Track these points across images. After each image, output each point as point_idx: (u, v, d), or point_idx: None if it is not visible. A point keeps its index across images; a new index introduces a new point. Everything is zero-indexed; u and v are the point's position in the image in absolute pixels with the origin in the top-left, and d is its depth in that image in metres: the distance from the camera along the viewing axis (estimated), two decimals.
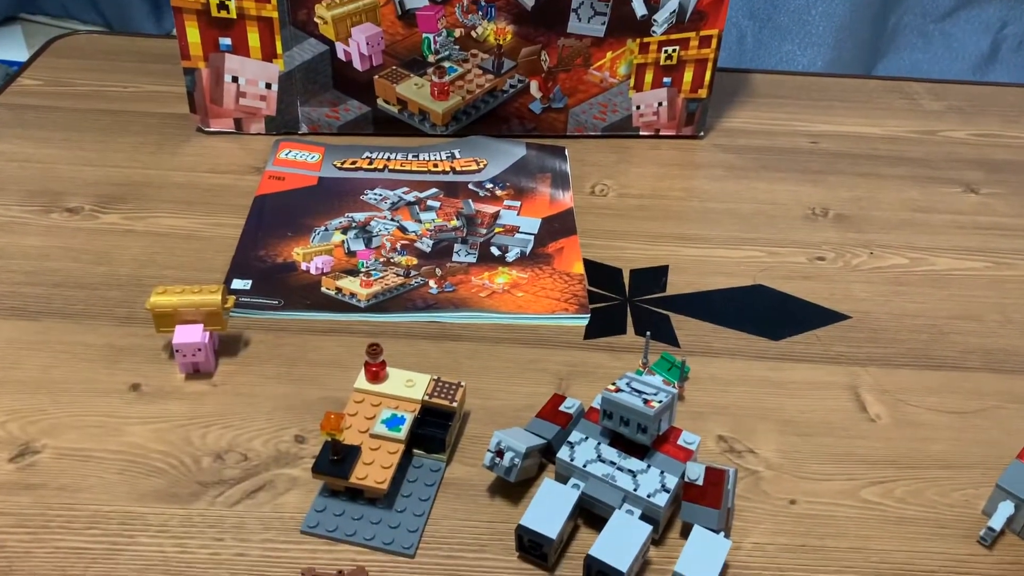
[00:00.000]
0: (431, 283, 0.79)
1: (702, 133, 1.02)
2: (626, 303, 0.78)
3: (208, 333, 0.68)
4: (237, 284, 0.77)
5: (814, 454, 0.66)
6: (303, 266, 0.80)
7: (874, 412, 0.69)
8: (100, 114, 1.00)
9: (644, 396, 0.58)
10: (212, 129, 0.98)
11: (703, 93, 0.98)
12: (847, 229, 0.89)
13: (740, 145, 1.01)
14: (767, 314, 0.78)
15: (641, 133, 1.01)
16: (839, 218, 0.91)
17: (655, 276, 0.81)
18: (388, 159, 0.94)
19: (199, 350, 0.67)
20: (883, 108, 1.11)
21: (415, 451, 0.63)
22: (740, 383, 0.71)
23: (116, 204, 0.87)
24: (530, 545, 0.56)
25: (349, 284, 0.78)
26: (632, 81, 0.97)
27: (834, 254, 0.86)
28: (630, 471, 0.58)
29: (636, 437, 0.58)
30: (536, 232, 0.85)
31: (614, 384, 0.59)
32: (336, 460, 0.59)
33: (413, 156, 0.95)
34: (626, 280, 0.81)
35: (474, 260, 0.82)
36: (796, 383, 0.72)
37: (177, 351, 0.67)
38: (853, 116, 1.08)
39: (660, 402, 0.57)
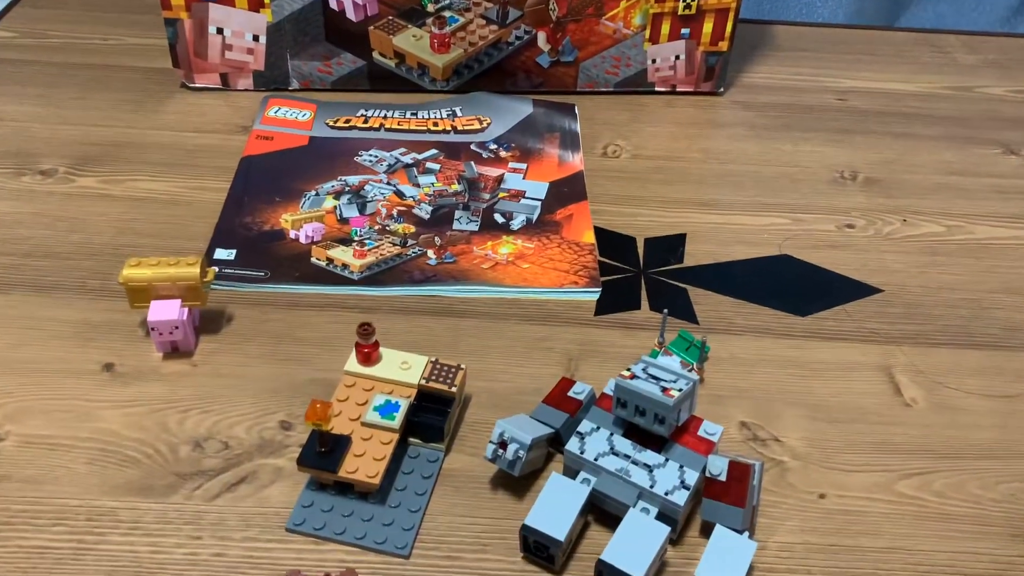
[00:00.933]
0: (430, 253, 0.73)
1: (722, 89, 0.95)
2: (640, 275, 0.73)
3: (187, 309, 0.63)
4: (220, 254, 0.72)
5: (845, 443, 0.61)
6: (292, 234, 0.74)
7: (910, 396, 0.64)
8: (78, 68, 0.94)
9: (662, 383, 0.52)
10: (197, 85, 0.91)
11: (724, 46, 0.91)
12: (878, 194, 0.83)
13: (762, 102, 0.95)
14: (793, 287, 0.72)
15: (656, 89, 0.94)
16: (869, 182, 0.84)
17: (671, 245, 0.75)
18: (384, 117, 0.88)
19: (176, 328, 0.62)
20: (914, 62, 1.03)
21: (411, 440, 0.58)
22: (764, 364, 0.66)
23: (93, 166, 0.81)
24: (536, 546, 0.51)
25: (341, 254, 0.72)
26: (647, 32, 0.89)
27: (864, 221, 0.80)
28: (646, 465, 0.53)
29: (653, 428, 0.53)
30: (543, 197, 0.79)
31: (628, 369, 0.54)
32: (324, 452, 0.54)
33: (411, 114, 0.89)
34: (640, 250, 0.75)
35: (476, 228, 0.76)
36: (825, 364, 0.66)
37: (153, 329, 0.62)
38: (882, 71, 1.01)
39: (680, 390, 0.52)
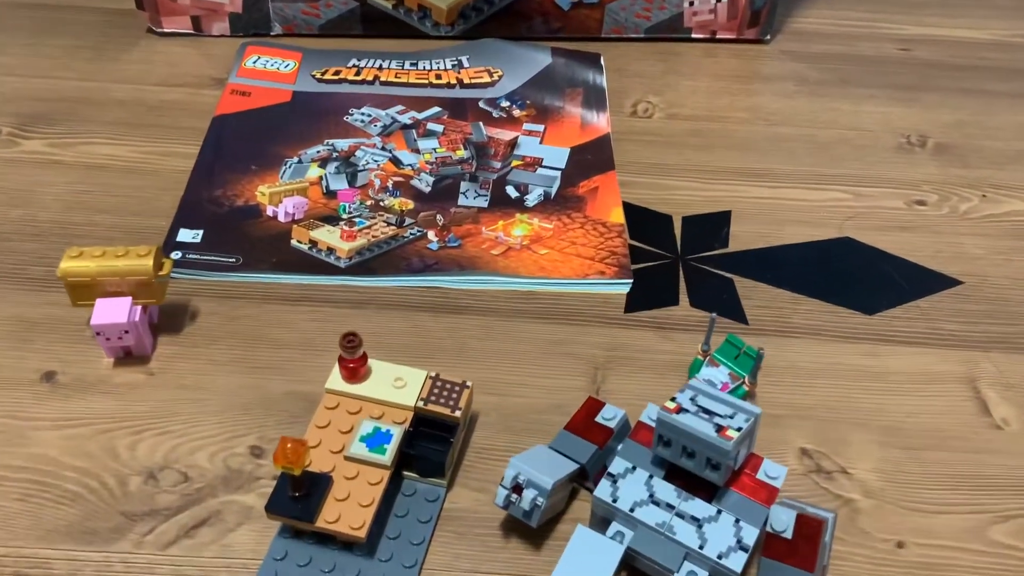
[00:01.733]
0: (431, 235, 0.62)
1: (768, 37, 0.82)
2: (678, 262, 0.62)
3: (139, 308, 0.52)
4: (184, 235, 0.61)
5: (925, 475, 0.51)
6: (269, 211, 0.63)
7: (1000, 415, 0.54)
8: (27, 10, 0.82)
9: (716, 419, 0.42)
10: (164, 30, 0.79)
11: None
12: (951, 163, 0.71)
13: (814, 52, 0.82)
14: (857, 278, 0.61)
15: (694, 36, 0.81)
16: (940, 148, 0.73)
17: (714, 226, 0.64)
18: (379, 68, 0.76)
19: (126, 332, 0.52)
20: (988, 6, 0.90)
21: (405, 474, 0.48)
22: (826, 374, 0.55)
23: (41, 126, 0.70)
24: None
25: (327, 236, 0.61)
26: None
27: (937, 196, 0.68)
28: (693, 518, 0.43)
29: (704, 474, 0.43)
30: (563, 167, 0.68)
31: (674, 400, 0.44)
32: (298, 496, 0.44)
33: (411, 64, 0.77)
34: (678, 231, 0.64)
35: (485, 204, 0.65)
36: (897, 375, 0.56)
37: (98, 334, 0.52)
38: (952, 16, 0.88)
39: (739, 429, 0.42)
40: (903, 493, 0.50)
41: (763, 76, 0.80)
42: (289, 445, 0.42)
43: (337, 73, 0.76)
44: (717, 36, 0.82)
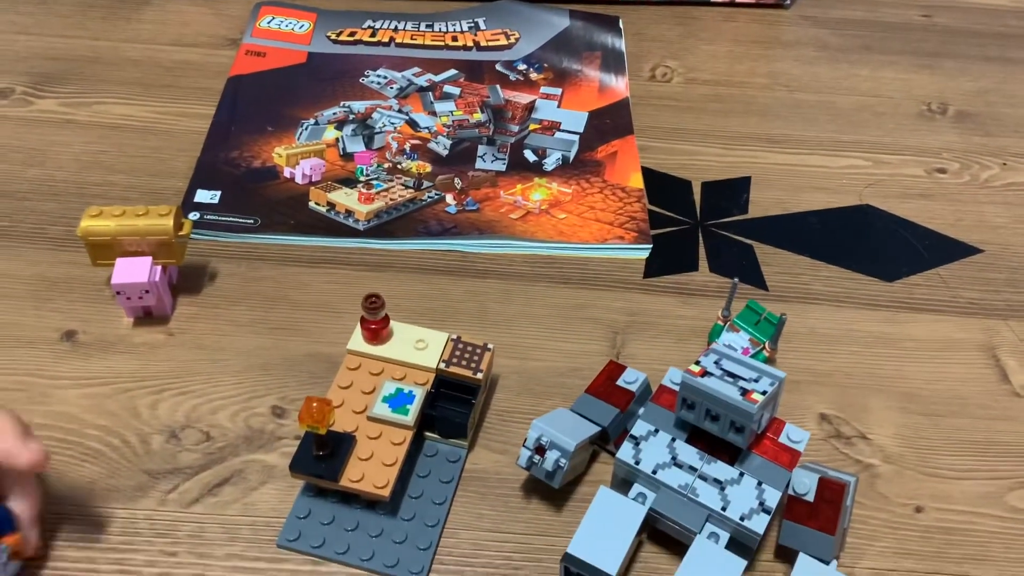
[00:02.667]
0: (449, 199, 0.62)
1: (789, 1, 0.81)
2: (697, 228, 0.61)
3: (159, 268, 0.52)
4: (202, 196, 0.61)
5: (944, 441, 0.51)
6: (286, 172, 0.63)
7: (1019, 383, 0.54)
8: None
9: (741, 383, 0.42)
10: None
11: None
12: (973, 131, 0.71)
13: (835, 18, 0.81)
14: (877, 245, 0.61)
15: (713, 0, 0.80)
16: (962, 116, 0.72)
17: (734, 191, 0.64)
18: (395, 30, 0.75)
19: (147, 291, 0.52)
20: None
21: (427, 435, 0.48)
22: (847, 340, 0.55)
23: (55, 85, 0.69)
24: None
25: (344, 199, 0.61)
26: None
27: (958, 164, 0.68)
28: (716, 481, 0.43)
29: (727, 437, 0.43)
30: (582, 131, 0.68)
31: (698, 363, 0.44)
32: (322, 455, 0.44)
33: (427, 26, 0.76)
34: (697, 196, 0.64)
35: (503, 168, 0.64)
36: (917, 341, 0.56)
37: (119, 293, 0.52)
38: None
39: (763, 392, 0.42)
40: (922, 459, 0.50)
41: (783, 41, 0.79)
42: (314, 404, 0.42)
43: (352, 34, 0.75)
44: (737, 1, 0.81)
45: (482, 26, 0.76)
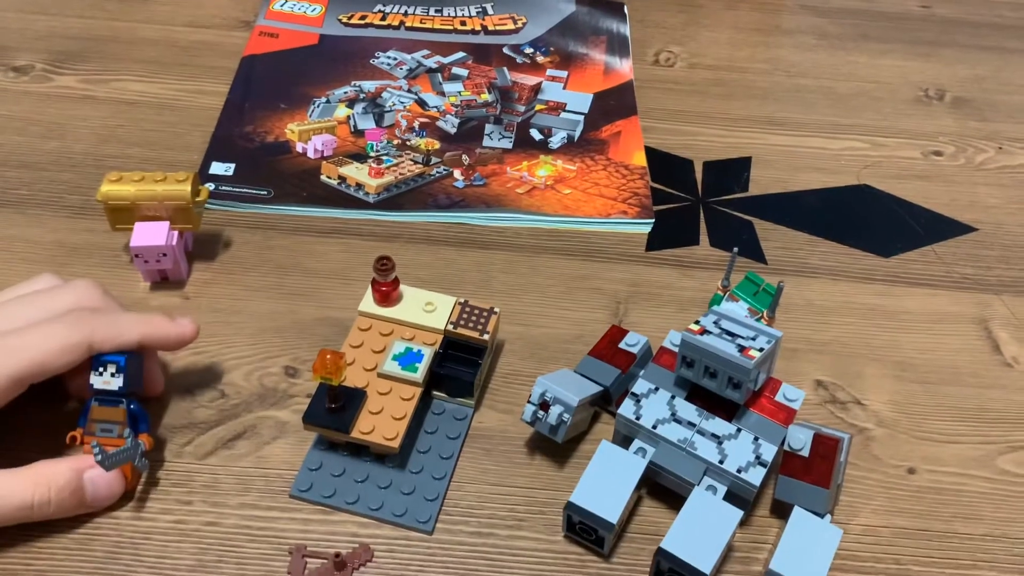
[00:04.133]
0: (456, 174, 0.64)
1: None
2: (699, 205, 0.63)
3: (176, 233, 0.54)
4: (217, 168, 0.62)
5: (936, 408, 0.52)
6: (299, 147, 0.65)
7: (1010, 354, 0.55)
8: None
9: (739, 340, 0.44)
10: None
11: None
12: (968, 116, 0.72)
13: (834, 7, 0.83)
14: (874, 223, 0.63)
15: None
16: (958, 102, 0.74)
17: (735, 170, 0.66)
18: (405, 14, 0.77)
19: (164, 255, 0.53)
20: None
21: (435, 394, 0.50)
22: (843, 312, 0.57)
23: (73, 63, 0.71)
24: (582, 528, 0.44)
25: (355, 173, 0.63)
26: None
27: (954, 148, 0.70)
28: (714, 436, 0.45)
29: (725, 393, 0.44)
30: (587, 112, 0.69)
31: (697, 323, 0.45)
32: (334, 408, 0.46)
33: (435, 11, 0.78)
34: (699, 175, 0.65)
35: (510, 146, 0.66)
36: (912, 314, 0.57)
37: (137, 256, 0.53)
38: None
39: (760, 349, 0.43)
40: (914, 423, 0.51)
41: (783, 29, 0.80)
42: (328, 356, 0.43)
43: (363, 18, 0.77)
44: None
45: (490, 11, 0.78)
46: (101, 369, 0.44)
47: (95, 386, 0.44)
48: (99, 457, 0.42)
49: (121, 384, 0.44)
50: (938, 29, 0.81)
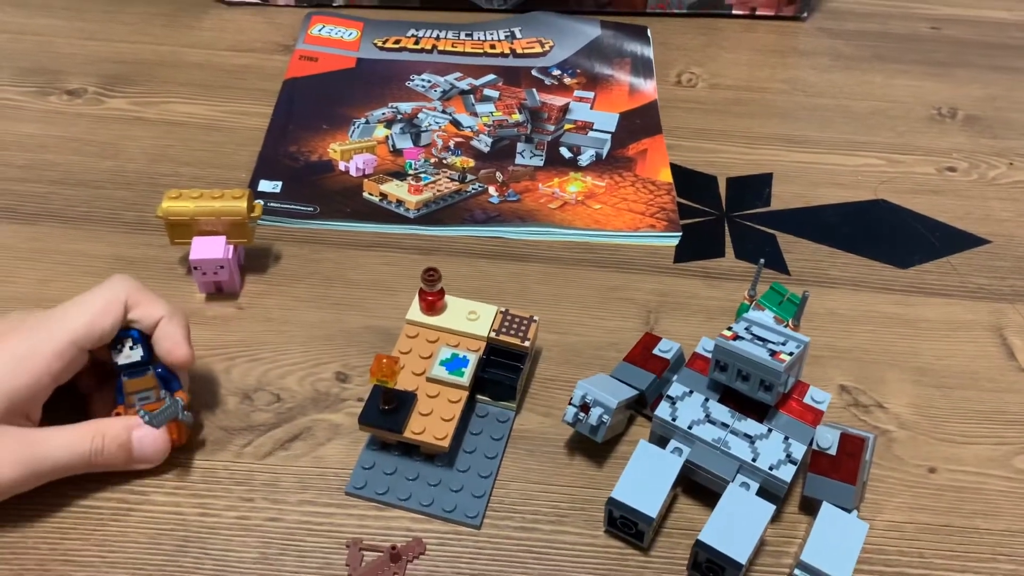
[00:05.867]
0: (491, 191, 0.67)
1: (805, 14, 0.86)
2: (723, 219, 0.66)
3: (232, 247, 0.57)
4: (264, 186, 0.66)
5: (955, 411, 0.55)
6: (341, 166, 0.68)
7: None
8: None
9: (769, 345, 0.47)
10: (233, 0, 0.84)
11: None
12: (980, 134, 0.75)
13: (850, 30, 0.86)
14: (891, 236, 0.65)
15: (734, 12, 0.85)
16: (970, 120, 0.77)
17: (757, 186, 0.69)
18: (437, 38, 0.81)
19: (221, 267, 0.56)
20: None
21: (479, 397, 0.53)
22: (864, 320, 0.59)
23: (123, 86, 0.75)
24: (622, 522, 0.46)
25: (395, 190, 0.66)
26: None
27: (967, 164, 0.72)
28: (746, 436, 0.47)
29: (757, 395, 0.47)
30: (614, 130, 0.72)
31: (730, 329, 0.48)
32: (387, 410, 0.48)
33: (466, 35, 0.81)
34: (722, 190, 0.68)
35: (541, 163, 0.69)
36: (929, 322, 0.60)
37: (195, 268, 0.57)
38: None
39: (790, 354, 0.46)
40: (934, 425, 0.54)
41: (800, 51, 0.83)
42: (384, 360, 0.46)
43: (397, 42, 0.80)
44: (756, 13, 0.86)
45: (518, 35, 0.81)
46: (119, 346, 0.48)
47: (120, 363, 0.48)
48: (146, 418, 0.46)
49: (142, 354, 0.48)
50: (950, 50, 0.84)
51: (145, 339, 0.48)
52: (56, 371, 0.46)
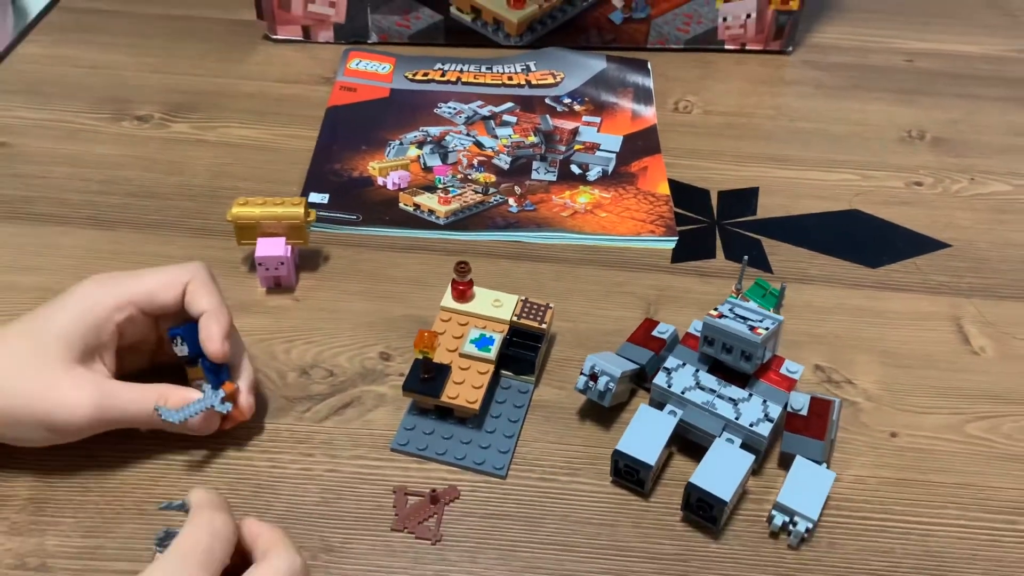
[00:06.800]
0: (511, 201, 0.76)
1: (791, 48, 0.96)
2: (715, 226, 0.75)
3: (290, 247, 0.66)
4: (314, 197, 0.75)
5: (915, 386, 0.63)
6: (379, 181, 0.77)
7: (978, 345, 0.66)
8: (164, 20, 0.97)
9: (750, 323, 0.55)
10: (279, 37, 0.94)
11: (794, 5, 0.92)
12: (946, 153, 0.84)
13: (831, 62, 0.96)
14: (864, 240, 0.74)
15: (727, 47, 0.95)
16: (937, 141, 0.86)
17: (745, 198, 0.78)
18: (461, 71, 0.91)
19: (282, 263, 0.66)
20: (982, 26, 1.04)
21: (503, 372, 0.62)
22: (837, 312, 0.68)
23: (185, 113, 0.85)
24: (626, 471, 0.55)
25: (427, 201, 0.75)
26: None
27: (932, 179, 0.81)
28: (731, 399, 0.56)
29: (739, 365, 0.56)
30: (618, 150, 0.82)
31: (716, 309, 0.57)
32: (427, 379, 0.57)
33: (487, 68, 0.91)
34: (714, 202, 0.77)
35: (554, 178, 0.79)
36: (896, 313, 0.68)
37: (259, 264, 0.66)
38: (950, 34, 1.02)
39: (766, 329, 0.55)
40: (897, 398, 0.62)
41: (786, 81, 0.93)
42: (426, 334, 0.55)
43: (426, 75, 0.90)
44: (746, 48, 0.96)
45: (533, 68, 0.91)
46: (174, 342, 0.55)
47: (178, 354, 0.55)
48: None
49: (188, 350, 0.55)
50: (921, 80, 0.94)
51: (189, 336, 0.55)
52: (118, 321, 0.53)
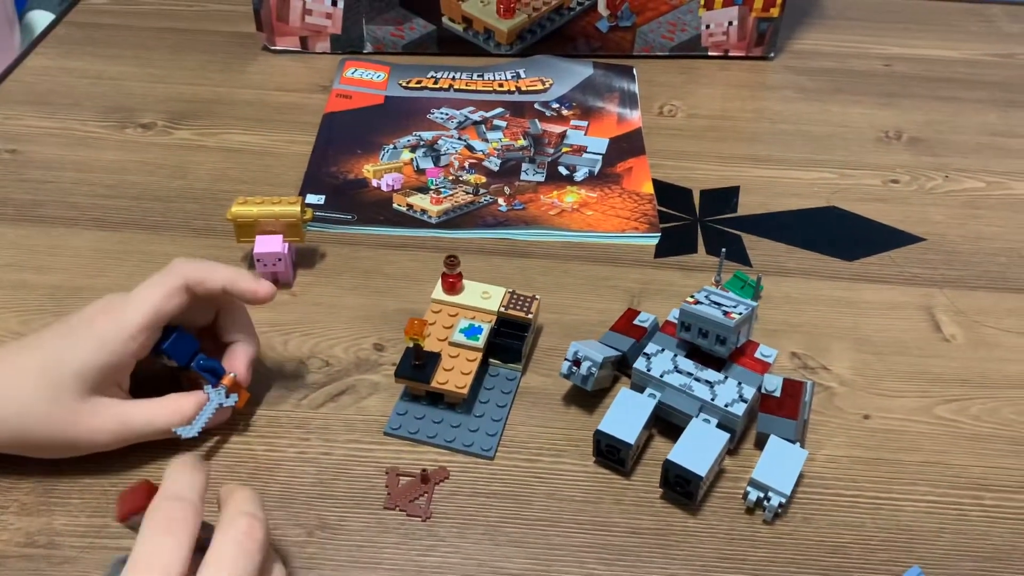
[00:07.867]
0: (500, 201, 0.79)
1: (772, 54, 0.99)
2: (697, 223, 0.78)
3: (288, 244, 0.69)
4: (311, 199, 0.78)
5: (888, 372, 0.66)
6: (374, 183, 0.80)
7: (949, 333, 0.69)
8: (167, 32, 1.01)
9: (723, 308, 0.58)
10: (278, 47, 0.98)
11: (775, 12, 0.95)
12: (922, 153, 0.87)
13: (811, 67, 0.99)
14: (841, 235, 0.77)
15: (710, 54, 0.99)
16: (913, 141, 0.89)
17: (726, 196, 0.81)
18: (453, 79, 0.94)
19: (279, 260, 0.69)
20: (960, 31, 1.07)
21: (491, 361, 0.64)
22: (814, 302, 0.71)
23: (188, 120, 0.88)
24: (607, 450, 0.57)
25: (420, 201, 0.78)
26: None
27: (908, 177, 0.84)
28: (707, 382, 0.58)
29: (714, 349, 0.58)
30: (604, 152, 0.85)
31: (692, 297, 0.60)
32: (418, 365, 0.60)
33: (478, 76, 0.94)
34: (696, 200, 0.80)
35: (542, 179, 0.82)
36: (870, 303, 0.71)
37: (258, 260, 0.69)
38: (928, 39, 1.05)
39: (740, 314, 0.58)
40: (870, 383, 0.65)
41: (768, 86, 0.96)
42: (416, 321, 0.58)
43: (419, 82, 0.93)
44: (729, 54, 0.99)
45: (522, 75, 0.95)
46: (161, 359, 0.57)
47: (169, 366, 0.58)
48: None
49: (177, 363, 0.57)
50: (899, 83, 0.97)
51: (174, 347, 0.56)
52: (134, 349, 0.55)
